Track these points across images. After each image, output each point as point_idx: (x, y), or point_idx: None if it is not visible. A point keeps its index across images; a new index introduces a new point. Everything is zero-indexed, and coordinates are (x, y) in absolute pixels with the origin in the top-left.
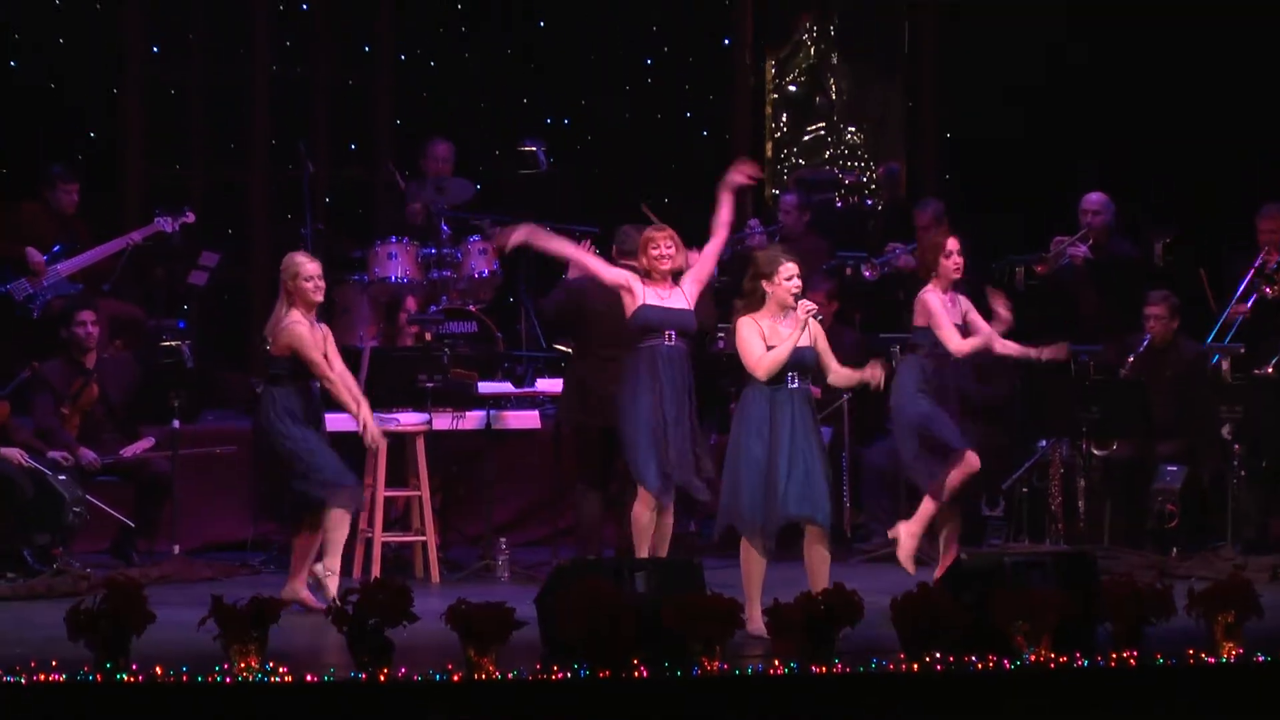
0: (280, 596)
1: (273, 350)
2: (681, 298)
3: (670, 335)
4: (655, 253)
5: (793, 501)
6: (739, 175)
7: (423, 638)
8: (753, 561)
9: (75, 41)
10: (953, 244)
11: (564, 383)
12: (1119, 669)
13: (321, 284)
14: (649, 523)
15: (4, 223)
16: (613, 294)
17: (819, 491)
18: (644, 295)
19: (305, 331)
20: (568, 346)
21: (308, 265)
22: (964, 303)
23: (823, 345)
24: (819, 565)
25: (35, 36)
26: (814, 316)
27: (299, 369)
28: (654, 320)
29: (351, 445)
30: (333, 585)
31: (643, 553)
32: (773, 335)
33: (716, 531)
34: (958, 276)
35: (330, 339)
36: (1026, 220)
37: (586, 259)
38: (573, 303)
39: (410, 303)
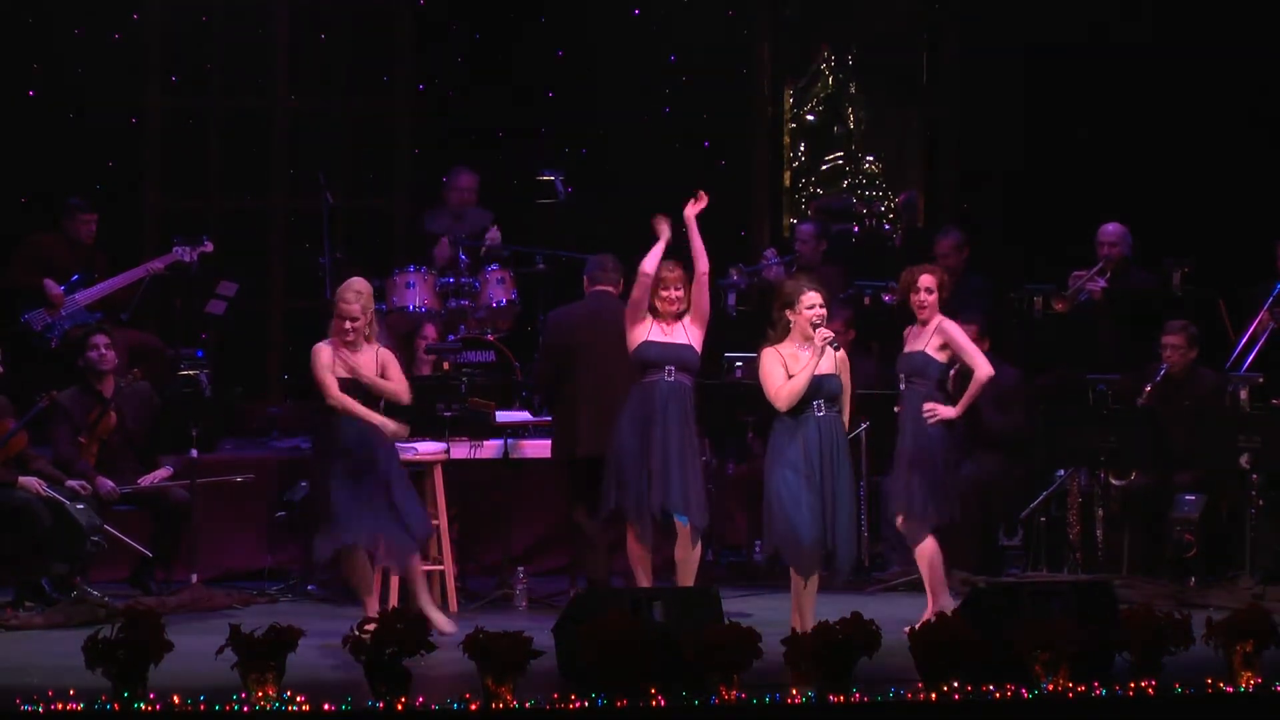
0: None
1: None
2: (684, 334)
3: (670, 370)
4: (665, 294)
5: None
6: (693, 207)
7: (440, 667)
8: (803, 594)
9: (95, 70)
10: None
11: (555, 416)
12: (1137, 698)
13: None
14: (684, 558)
15: (22, 254)
16: (608, 327)
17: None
18: (649, 331)
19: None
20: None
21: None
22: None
23: (846, 379)
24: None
25: (55, 65)
26: (831, 345)
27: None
28: (653, 356)
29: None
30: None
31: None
32: (794, 364)
33: (773, 562)
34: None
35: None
36: (1044, 249)
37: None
38: (560, 338)
39: (430, 331)
